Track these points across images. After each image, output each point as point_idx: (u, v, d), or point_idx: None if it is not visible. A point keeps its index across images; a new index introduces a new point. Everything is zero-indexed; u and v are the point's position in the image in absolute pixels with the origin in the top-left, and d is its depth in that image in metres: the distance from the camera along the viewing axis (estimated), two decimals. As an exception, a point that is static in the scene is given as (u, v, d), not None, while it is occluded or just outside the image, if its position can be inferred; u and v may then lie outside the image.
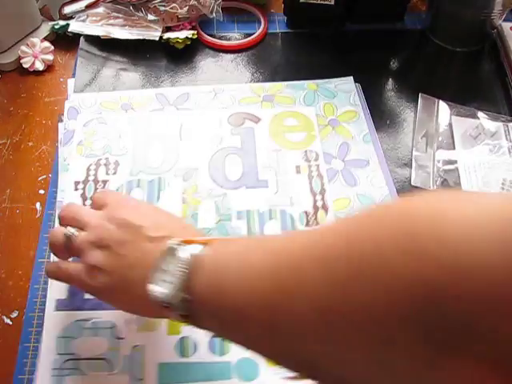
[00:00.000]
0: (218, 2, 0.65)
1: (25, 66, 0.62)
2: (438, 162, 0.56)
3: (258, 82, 0.61)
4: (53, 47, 0.63)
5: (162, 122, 0.55)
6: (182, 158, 0.53)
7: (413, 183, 0.54)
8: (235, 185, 0.51)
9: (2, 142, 0.56)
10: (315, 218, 0.49)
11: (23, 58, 0.61)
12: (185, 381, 0.41)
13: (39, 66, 0.62)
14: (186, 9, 0.64)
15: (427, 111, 0.60)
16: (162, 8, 0.64)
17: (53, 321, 0.43)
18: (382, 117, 0.59)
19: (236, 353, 0.42)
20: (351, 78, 0.61)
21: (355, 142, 0.55)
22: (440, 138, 0.58)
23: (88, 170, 0.51)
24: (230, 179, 0.51)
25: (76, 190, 0.50)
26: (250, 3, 0.70)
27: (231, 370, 0.41)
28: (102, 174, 0.51)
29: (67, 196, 0.49)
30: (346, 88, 0.60)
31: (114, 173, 0.51)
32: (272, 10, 0.70)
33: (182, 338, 0.42)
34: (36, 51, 0.62)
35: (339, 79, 0.61)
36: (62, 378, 0.40)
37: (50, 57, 0.63)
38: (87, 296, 0.44)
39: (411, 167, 0.55)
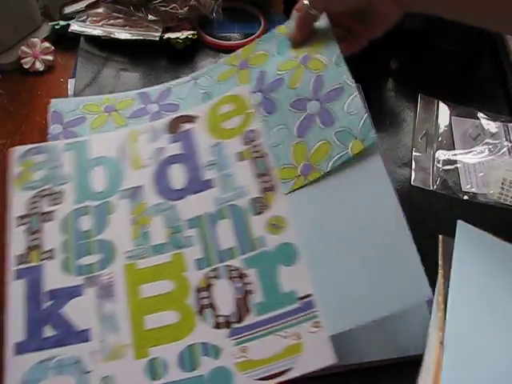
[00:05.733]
0: (218, 2, 0.65)
1: (25, 66, 0.62)
2: (438, 162, 0.56)
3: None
4: (53, 47, 0.63)
5: (101, 144, 0.53)
6: (126, 178, 0.50)
7: (413, 183, 0.54)
8: (181, 194, 0.49)
9: (2, 141, 0.56)
10: (263, 204, 0.48)
11: (23, 58, 0.62)
12: None
13: (39, 67, 0.62)
14: (186, 9, 0.64)
15: (427, 111, 0.60)
16: (162, 8, 0.64)
17: (14, 366, 0.40)
18: (381, 117, 0.59)
19: (207, 365, 0.41)
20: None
21: (328, 70, 0.50)
22: (440, 139, 0.58)
23: (30, 203, 0.49)
24: (175, 189, 0.50)
25: (19, 225, 0.47)
26: (250, 3, 0.70)
27: (204, 383, 0.41)
28: (47, 205, 0.48)
29: (11, 235, 0.46)
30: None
31: (59, 203, 0.49)
32: (272, 10, 0.70)
33: (151, 360, 0.41)
34: (36, 51, 0.62)
35: None
36: None
37: (50, 57, 0.63)
38: (47, 334, 0.42)
39: (411, 167, 0.55)
